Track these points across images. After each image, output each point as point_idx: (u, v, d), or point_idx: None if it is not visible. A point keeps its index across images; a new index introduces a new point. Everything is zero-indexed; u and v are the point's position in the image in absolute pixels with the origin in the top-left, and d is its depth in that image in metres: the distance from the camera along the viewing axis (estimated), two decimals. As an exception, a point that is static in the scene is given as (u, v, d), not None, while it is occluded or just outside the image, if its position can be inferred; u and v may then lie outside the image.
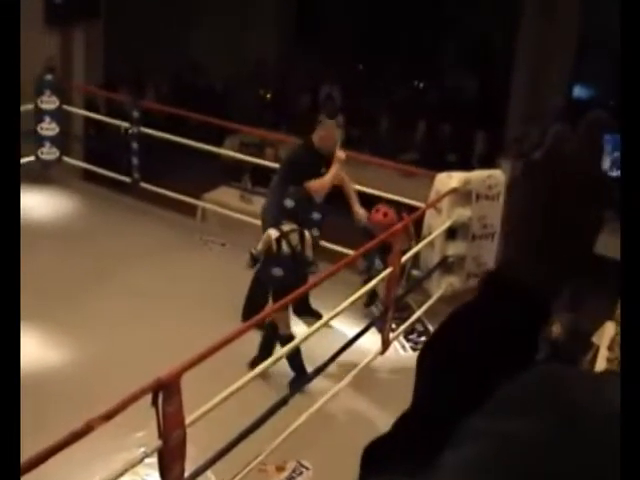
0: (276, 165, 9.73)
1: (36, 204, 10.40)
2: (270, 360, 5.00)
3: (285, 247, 6.57)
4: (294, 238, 6.61)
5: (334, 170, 7.42)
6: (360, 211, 7.75)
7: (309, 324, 7.52)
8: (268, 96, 16.93)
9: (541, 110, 14.41)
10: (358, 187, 8.73)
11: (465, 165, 11.05)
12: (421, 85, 17.31)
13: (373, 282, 6.67)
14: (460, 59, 16.80)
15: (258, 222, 7.74)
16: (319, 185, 7.38)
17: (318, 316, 7.59)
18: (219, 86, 17.07)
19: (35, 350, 7.15)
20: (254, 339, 6.67)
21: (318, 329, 5.71)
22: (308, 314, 7.72)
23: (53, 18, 12.49)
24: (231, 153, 11.13)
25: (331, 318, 5.98)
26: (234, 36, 16.85)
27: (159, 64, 15.96)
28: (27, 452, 3.52)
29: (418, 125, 15.02)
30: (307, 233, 6.77)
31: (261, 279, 6.88)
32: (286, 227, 6.62)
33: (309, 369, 5.86)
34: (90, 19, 13.36)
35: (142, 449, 4.31)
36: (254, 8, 17.08)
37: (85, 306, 7.84)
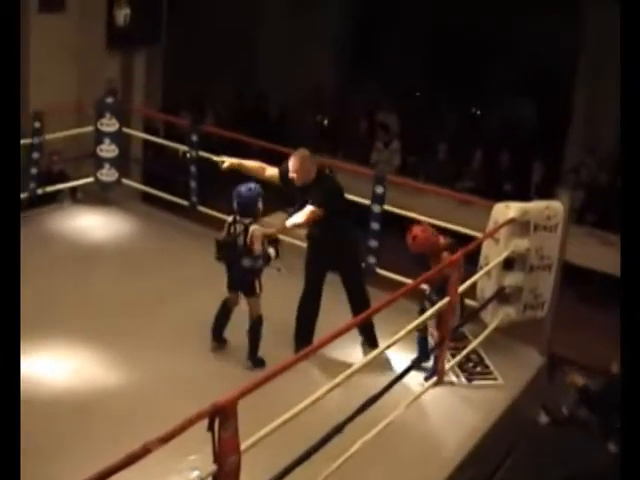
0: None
1: (94, 225, 10.52)
2: (324, 389, 4.99)
3: (231, 233, 7.27)
4: (238, 227, 7.23)
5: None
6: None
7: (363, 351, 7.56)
8: (325, 122, 16.98)
9: (600, 139, 14.33)
10: (414, 215, 8.73)
11: (522, 195, 10.98)
12: (478, 113, 17.25)
13: (426, 314, 6.62)
14: (519, 87, 16.73)
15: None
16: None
17: (373, 345, 7.58)
18: (277, 111, 17.15)
19: (92, 370, 7.22)
20: (307, 367, 6.68)
21: (371, 360, 5.68)
22: (367, 340, 7.68)
23: (115, 42, 12.65)
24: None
25: (386, 348, 5.93)
26: (293, 62, 16.95)
27: (218, 89, 16.09)
28: (84, 472, 3.55)
29: (475, 153, 14.96)
30: (253, 228, 7.17)
31: None
32: (239, 217, 7.27)
33: (363, 398, 5.81)
34: (151, 43, 13.52)
35: (196, 472, 4.32)
36: (313, 35, 17.16)
37: (141, 328, 7.89)
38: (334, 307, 7.66)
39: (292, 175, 7.51)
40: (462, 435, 6.65)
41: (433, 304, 6.82)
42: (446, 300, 6.44)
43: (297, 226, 7.49)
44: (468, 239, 7.64)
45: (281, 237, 7.82)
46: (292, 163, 7.53)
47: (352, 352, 7.50)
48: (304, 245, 8.02)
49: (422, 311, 7.03)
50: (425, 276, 6.63)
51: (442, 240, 7.14)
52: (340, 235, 7.56)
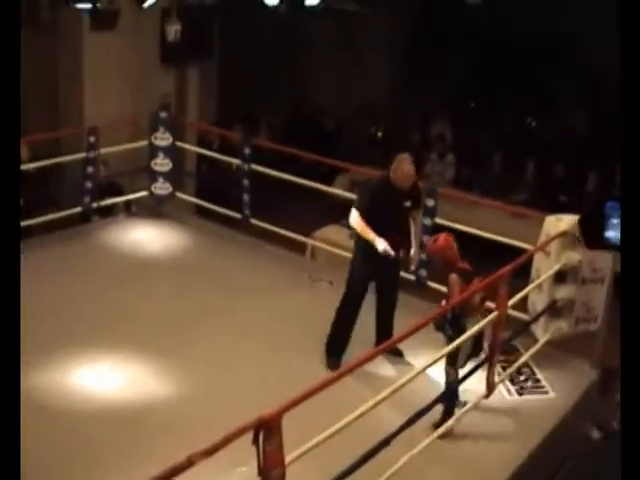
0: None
1: (149, 238, 10.61)
2: (370, 402, 4.98)
3: None
4: None
5: (374, 241, 7.29)
6: (414, 257, 7.65)
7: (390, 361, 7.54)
8: (379, 134, 16.97)
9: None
10: (466, 228, 8.69)
11: (577, 206, 10.89)
12: (533, 123, 17.13)
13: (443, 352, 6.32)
14: (574, 97, 16.58)
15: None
16: (360, 226, 7.38)
17: (399, 354, 7.58)
18: (331, 124, 17.18)
19: (144, 381, 7.29)
20: (352, 380, 6.64)
21: (414, 377, 5.62)
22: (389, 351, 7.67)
23: (168, 57, 12.78)
24: (341, 192, 11.14)
25: (428, 366, 5.87)
26: (347, 74, 16.97)
27: (272, 102, 16.16)
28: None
29: (529, 164, 14.86)
30: None
31: None
32: None
33: (411, 411, 5.80)
34: (204, 58, 13.63)
35: (242, 485, 4.33)
36: (368, 46, 17.17)
37: (192, 340, 7.94)
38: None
39: (404, 179, 7.41)
40: (511, 450, 6.59)
41: (450, 338, 6.51)
42: (495, 314, 6.38)
43: None
44: (520, 252, 7.59)
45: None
46: (404, 170, 7.40)
47: (395, 365, 7.50)
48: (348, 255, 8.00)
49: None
50: (439, 310, 6.50)
51: (461, 264, 6.77)
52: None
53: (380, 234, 7.35)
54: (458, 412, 6.53)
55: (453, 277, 6.65)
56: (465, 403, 6.77)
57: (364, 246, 7.52)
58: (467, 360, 6.69)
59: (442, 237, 6.86)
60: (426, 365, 5.72)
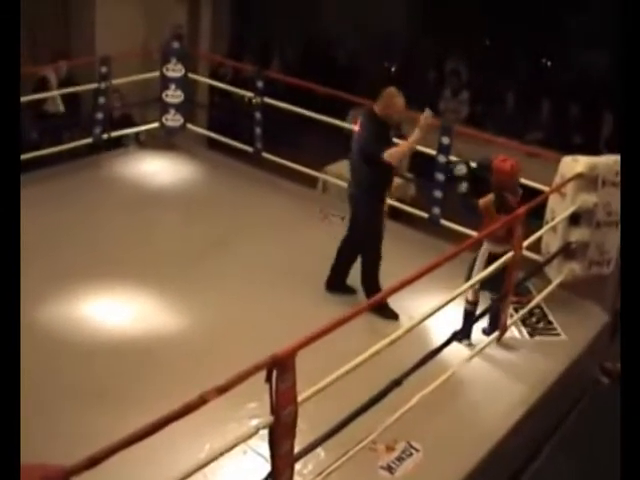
0: (398, 140, 9.62)
1: (159, 170, 10.56)
2: (386, 340, 4.93)
3: None
4: None
5: (415, 136, 7.12)
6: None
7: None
8: (393, 69, 16.79)
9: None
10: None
11: (591, 148, 10.76)
12: (549, 63, 16.91)
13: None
14: (591, 37, 16.34)
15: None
16: (396, 154, 7.08)
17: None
18: (345, 58, 16.99)
19: (155, 315, 7.26)
20: (365, 320, 6.59)
21: (432, 315, 5.53)
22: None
23: (181, -13, 12.62)
24: (354, 126, 11.01)
25: (436, 311, 5.75)
26: (362, 8, 16.74)
27: (285, 34, 15.98)
28: (147, 416, 3.55)
29: (544, 104, 14.70)
30: None
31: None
32: None
33: (424, 351, 5.76)
34: (218, -11, 13.48)
35: (254, 421, 4.31)
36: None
37: (202, 274, 7.93)
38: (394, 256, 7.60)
39: (397, 113, 7.34)
40: (522, 392, 6.57)
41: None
42: (510, 255, 6.31)
43: None
44: (535, 193, 7.50)
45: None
46: (396, 103, 7.31)
47: (412, 305, 7.43)
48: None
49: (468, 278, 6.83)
50: (479, 236, 6.41)
51: (509, 194, 6.89)
52: None
53: (390, 173, 7.34)
54: (468, 353, 6.51)
55: (488, 202, 6.80)
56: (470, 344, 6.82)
57: (377, 198, 7.39)
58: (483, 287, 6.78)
59: (510, 162, 6.87)
60: (445, 301, 5.59)
